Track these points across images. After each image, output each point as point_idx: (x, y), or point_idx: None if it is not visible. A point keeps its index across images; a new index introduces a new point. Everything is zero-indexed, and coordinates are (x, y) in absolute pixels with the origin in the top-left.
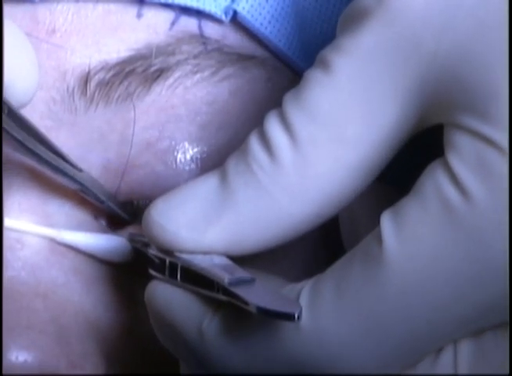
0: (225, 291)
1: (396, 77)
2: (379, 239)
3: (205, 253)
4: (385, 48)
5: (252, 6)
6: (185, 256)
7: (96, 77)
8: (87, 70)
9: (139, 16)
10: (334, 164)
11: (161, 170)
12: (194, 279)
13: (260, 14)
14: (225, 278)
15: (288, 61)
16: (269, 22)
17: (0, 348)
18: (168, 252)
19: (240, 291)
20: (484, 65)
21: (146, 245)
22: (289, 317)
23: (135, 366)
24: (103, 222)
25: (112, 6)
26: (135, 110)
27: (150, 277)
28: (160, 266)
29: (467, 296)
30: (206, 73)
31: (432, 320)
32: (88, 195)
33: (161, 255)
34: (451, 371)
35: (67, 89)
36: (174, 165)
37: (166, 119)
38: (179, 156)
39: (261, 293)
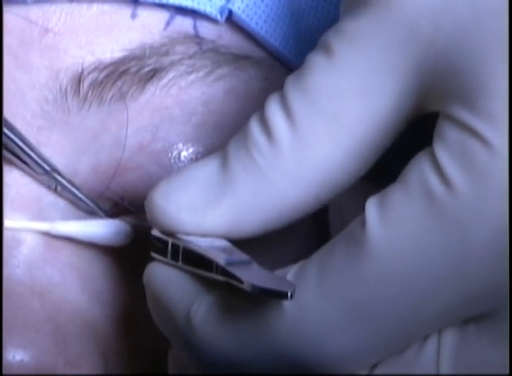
0: (223, 271)
1: (394, 63)
2: (363, 223)
3: (205, 236)
4: (383, 34)
5: (247, 6)
6: (185, 238)
7: (90, 77)
8: (80, 69)
9: (134, 16)
10: (332, 149)
11: (155, 171)
12: (195, 261)
13: (255, 14)
14: (223, 258)
15: (284, 61)
16: (265, 21)
17: None
18: (170, 234)
19: (236, 271)
20: (478, 55)
21: (149, 228)
22: (282, 295)
23: (133, 365)
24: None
25: (106, 6)
26: (127, 112)
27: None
28: (162, 249)
29: (449, 284)
30: (201, 73)
31: (413, 306)
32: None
33: (163, 237)
34: (434, 360)
35: (60, 89)
36: (169, 167)
37: (160, 120)
38: (174, 157)
39: (256, 273)
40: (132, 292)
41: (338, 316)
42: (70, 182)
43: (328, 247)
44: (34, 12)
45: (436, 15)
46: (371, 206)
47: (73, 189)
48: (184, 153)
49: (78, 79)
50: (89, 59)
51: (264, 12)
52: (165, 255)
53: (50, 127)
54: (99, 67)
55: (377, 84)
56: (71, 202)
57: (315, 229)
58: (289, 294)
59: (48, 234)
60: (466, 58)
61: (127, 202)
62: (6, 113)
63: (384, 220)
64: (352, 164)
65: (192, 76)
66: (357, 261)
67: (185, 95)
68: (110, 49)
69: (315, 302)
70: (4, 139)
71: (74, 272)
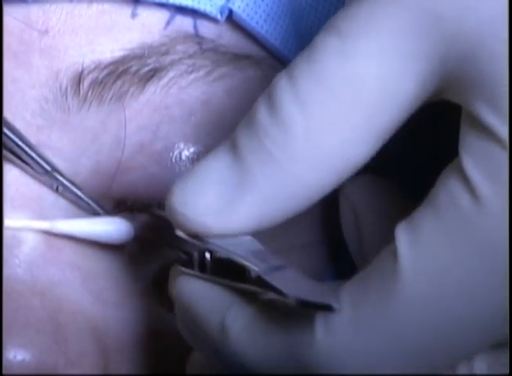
0: (259, 282)
1: (416, 51)
2: (394, 253)
3: (233, 236)
4: (405, 21)
5: (248, 5)
6: (215, 241)
7: (89, 76)
8: (80, 69)
9: (134, 15)
10: (349, 133)
11: (156, 171)
12: (225, 271)
13: (256, 13)
14: (260, 267)
15: (284, 60)
16: (265, 21)
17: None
18: (199, 238)
19: (276, 281)
20: (504, 53)
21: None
22: (327, 308)
23: (134, 364)
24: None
25: (106, 6)
26: (125, 112)
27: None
28: (189, 261)
29: (484, 308)
30: (201, 72)
31: (450, 335)
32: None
33: (195, 242)
34: None
35: (60, 88)
36: (169, 166)
37: (160, 119)
38: (174, 157)
39: (295, 281)
40: (134, 291)
41: (372, 350)
42: (71, 182)
43: (360, 279)
44: (34, 11)
45: (460, 10)
46: (401, 234)
47: (75, 189)
48: (185, 153)
49: (78, 79)
50: (89, 59)
51: (264, 11)
52: (192, 267)
53: (50, 126)
54: (99, 67)
55: (398, 69)
56: (72, 202)
57: (320, 214)
58: (334, 307)
59: (49, 233)
60: (492, 54)
61: (129, 202)
62: (6, 113)
63: (417, 249)
64: (368, 146)
65: (193, 75)
66: (390, 294)
67: (186, 94)
68: (110, 49)
69: (348, 335)
70: (4, 138)
71: (75, 271)
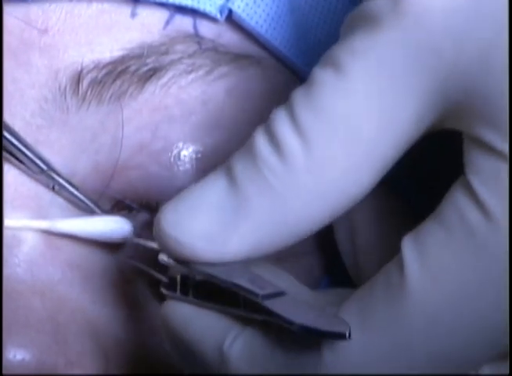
0: (254, 306)
1: (415, 84)
2: (400, 266)
3: (224, 263)
4: (403, 53)
5: (247, 5)
6: (205, 268)
7: (89, 76)
8: (79, 68)
9: (133, 15)
10: (350, 168)
11: (155, 171)
12: (208, 293)
13: (255, 13)
14: (259, 294)
15: (284, 60)
16: (265, 20)
17: None
18: (186, 264)
19: (277, 308)
20: (504, 78)
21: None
22: (339, 336)
23: (134, 364)
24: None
25: (106, 5)
26: (122, 112)
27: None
28: (171, 283)
29: (493, 320)
30: (200, 72)
31: (457, 347)
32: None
33: (179, 268)
34: None
35: (59, 88)
36: (169, 166)
37: (160, 119)
38: (173, 156)
39: (297, 308)
40: (134, 290)
41: (379, 365)
42: (67, 181)
43: (366, 292)
44: (34, 11)
45: (459, 36)
46: (408, 248)
47: (71, 189)
48: (184, 153)
49: (77, 78)
50: (88, 58)
51: (264, 11)
52: (174, 290)
53: (49, 126)
54: (98, 66)
55: (395, 102)
56: (69, 201)
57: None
58: (347, 335)
59: (48, 232)
60: (493, 80)
61: (128, 201)
62: (5, 113)
63: (424, 263)
64: (368, 179)
65: (192, 75)
66: (398, 308)
67: (185, 94)
68: (110, 48)
69: (355, 349)
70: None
71: (75, 271)
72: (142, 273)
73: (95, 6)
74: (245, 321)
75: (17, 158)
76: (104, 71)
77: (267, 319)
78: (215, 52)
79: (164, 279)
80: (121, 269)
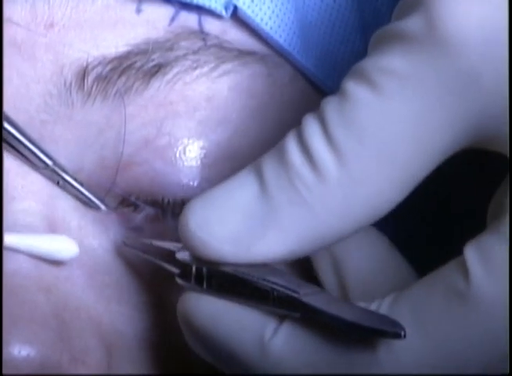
0: (295, 305)
1: (452, 108)
2: (463, 272)
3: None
4: (442, 79)
5: (253, 1)
6: (233, 267)
7: (94, 71)
8: (84, 64)
9: (139, 11)
10: (384, 186)
11: (160, 167)
12: (234, 289)
13: (260, 9)
14: (299, 291)
15: (288, 57)
16: (270, 17)
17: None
18: (212, 263)
19: (321, 306)
20: None
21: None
22: (395, 336)
23: (138, 361)
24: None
25: (111, 1)
26: (125, 109)
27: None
28: (188, 276)
29: None
30: (205, 68)
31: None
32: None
33: (202, 266)
34: None
35: (65, 83)
36: (174, 162)
37: (164, 115)
38: (178, 152)
39: (341, 306)
40: (138, 287)
41: (434, 368)
42: (72, 176)
43: (421, 293)
44: (40, 6)
45: (498, 64)
46: (472, 257)
47: (76, 185)
48: (189, 148)
49: (83, 74)
50: (94, 54)
51: (269, 8)
52: (188, 281)
53: (54, 121)
54: (103, 62)
55: (431, 124)
56: (74, 196)
57: None
58: (402, 335)
59: (55, 228)
60: None
61: (133, 197)
62: (10, 108)
63: (491, 273)
64: (398, 197)
65: (197, 71)
66: (460, 316)
67: (190, 90)
68: (115, 44)
69: (409, 353)
70: (4, 133)
71: (80, 268)
72: (147, 269)
73: (100, 2)
74: (280, 317)
75: (21, 153)
76: (109, 67)
77: (307, 317)
78: (220, 49)
79: (174, 270)
80: (125, 267)
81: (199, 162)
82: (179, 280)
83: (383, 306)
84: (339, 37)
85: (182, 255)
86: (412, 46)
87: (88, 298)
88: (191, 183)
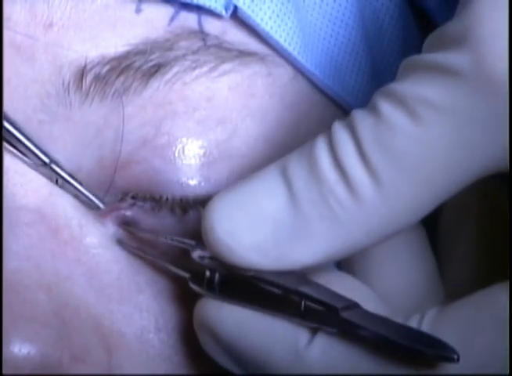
0: (330, 319)
1: (485, 143)
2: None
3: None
4: (482, 115)
5: (253, 1)
6: (263, 275)
7: (92, 71)
8: (83, 64)
9: (138, 11)
10: (414, 205)
11: (159, 165)
12: (265, 301)
13: (260, 9)
14: (337, 307)
15: (288, 57)
16: (270, 17)
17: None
18: (238, 269)
19: (363, 322)
20: None
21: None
22: (448, 359)
23: (137, 359)
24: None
25: (110, 1)
26: (123, 109)
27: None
28: (201, 281)
29: None
30: (205, 68)
31: None
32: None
33: (226, 270)
34: None
35: (63, 83)
36: (173, 160)
37: (163, 115)
38: (177, 151)
39: (381, 323)
40: (138, 287)
41: None
42: (70, 175)
43: (469, 319)
44: (39, 6)
45: None
46: None
47: (75, 183)
48: (188, 147)
49: (81, 73)
50: (93, 54)
51: (269, 8)
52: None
53: (51, 121)
54: (102, 62)
55: (466, 158)
56: (74, 196)
57: None
58: (456, 358)
59: (56, 226)
60: None
61: (130, 196)
62: (7, 107)
63: None
64: (425, 214)
65: (196, 71)
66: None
67: (189, 90)
68: (114, 44)
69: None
70: (3, 131)
71: (81, 267)
72: (148, 268)
73: (99, 2)
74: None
75: (20, 151)
76: (108, 67)
77: (345, 332)
78: (220, 49)
79: (185, 274)
80: (126, 266)
81: (198, 161)
82: (193, 286)
83: (424, 324)
84: (339, 36)
85: (198, 254)
86: (456, 81)
87: (88, 296)
88: (190, 182)
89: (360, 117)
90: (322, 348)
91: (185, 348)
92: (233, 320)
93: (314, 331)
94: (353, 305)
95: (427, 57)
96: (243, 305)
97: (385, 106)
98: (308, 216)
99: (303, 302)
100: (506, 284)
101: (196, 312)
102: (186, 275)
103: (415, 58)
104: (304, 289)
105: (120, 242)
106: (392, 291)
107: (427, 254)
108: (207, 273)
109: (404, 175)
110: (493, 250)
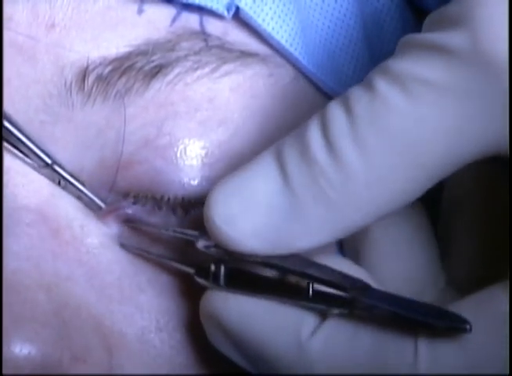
0: (340, 301)
1: (484, 122)
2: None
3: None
4: (480, 94)
5: (254, 2)
6: (270, 259)
7: (94, 72)
8: (85, 65)
9: (140, 11)
10: (407, 185)
11: (161, 166)
12: (270, 288)
13: (262, 10)
14: (347, 287)
15: (290, 57)
16: (272, 18)
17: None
18: (243, 255)
19: (374, 301)
20: None
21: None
22: (461, 330)
23: (138, 360)
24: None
25: (112, 2)
26: (125, 110)
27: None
28: (206, 274)
29: None
30: (206, 69)
31: None
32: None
33: (232, 258)
34: None
35: (65, 84)
36: (175, 161)
37: (165, 116)
38: (179, 151)
39: (392, 300)
40: (139, 287)
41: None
42: (72, 175)
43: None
44: (41, 6)
45: None
46: None
47: (78, 184)
48: (189, 148)
49: (83, 74)
50: (95, 55)
51: (270, 8)
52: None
53: (53, 122)
54: (104, 63)
55: (463, 138)
56: (76, 197)
57: None
58: (468, 328)
59: (57, 227)
60: None
61: (131, 196)
62: (9, 108)
63: None
64: (419, 194)
65: (198, 72)
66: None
67: (191, 91)
68: (116, 45)
69: (456, 360)
70: (4, 132)
71: (81, 267)
72: (149, 268)
73: (101, 2)
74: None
75: (21, 151)
76: (110, 68)
77: (356, 313)
78: (221, 50)
79: (190, 270)
80: (126, 266)
81: (199, 161)
82: (199, 280)
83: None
84: (340, 37)
85: (203, 244)
86: (454, 60)
87: (89, 297)
88: (191, 182)
89: (355, 96)
90: (326, 338)
91: (186, 349)
92: (239, 311)
93: (322, 318)
94: (362, 284)
95: (426, 36)
96: (248, 296)
97: (381, 84)
98: (302, 199)
99: (311, 285)
100: (506, 284)
101: (202, 305)
102: (191, 270)
103: (413, 36)
104: (312, 271)
105: (122, 244)
106: (393, 276)
107: (429, 240)
108: (212, 267)
109: (396, 153)
110: (493, 236)
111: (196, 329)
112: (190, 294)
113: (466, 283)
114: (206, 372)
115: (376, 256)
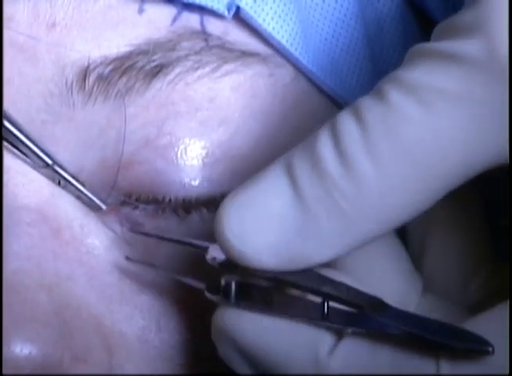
0: (358, 320)
1: (499, 131)
2: None
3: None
4: (497, 103)
5: (255, 2)
6: (284, 276)
7: (95, 71)
8: (86, 64)
9: (141, 11)
10: (421, 196)
11: (162, 166)
12: (285, 305)
13: (263, 10)
14: (364, 306)
15: (290, 57)
16: (272, 18)
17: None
18: (256, 271)
19: (393, 321)
20: None
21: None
22: (483, 352)
23: (139, 360)
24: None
25: (113, 1)
26: (125, 110)
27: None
28: (217, 289)
29: None
30: (207, 69)
31: None
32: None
33: (244, 275)
34: None
35: (66, 83)
36: (175, 161)
37: (166, 115)
38: (180, 151)
39: (408, 319)
40: (139, 287)
41: None
42: (72, 176)
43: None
44: (42, 6)
45: None
46: None
47: (78, 184)
48: (190, 148)
49: (84, 74)
50: (95, 54)
51: (271, 8)
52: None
53: (54, 121)
54: (105, 62)
55: (478, 148)
56: (76, 197)
57: None
58: (490, 350)
59: (58, 227)
60: None
61: (134, 196)
62: (11, 107)
63: None
64: (430, 205)
65: (199, 72)
66: None
67: (192, 90)
68: (117, 44)
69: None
70: (4, 131)
71: (83, 267)
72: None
73: (102, 2)
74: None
75: (21, 151)
76: (111, 67)
77: (373, 333)
78: (222, 49)
79: (201, 286)
80: (127, 266)
81: (200, 161)
82: (210, 296)
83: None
84: (341, 37)
85: (211, 257)
86: (469, 69)
87: (89, 297)
88: (192, 182)
89: (367, 107)
90: (345, 357)
91: (186, 349)
92: (254, 329)
93: (338, 337)
94: (378, 302)
95: (438, 45)
96: (262, 313)
97: (393, 94)
98: (315, 213)
99: (326, 303)
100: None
101: (214, 322)
102: (202, 286)
103: (424, 46)
104: (327, 288)
105: (127, 258)
106: (379, 288)
107: (401, 251)
108: (223, 281)
109: (411, 165)
110: (467, 239)
111: (196, 329)
112: (190, 294)
113: (441, 287)
114: (206, 372)
115: (361, 270)
